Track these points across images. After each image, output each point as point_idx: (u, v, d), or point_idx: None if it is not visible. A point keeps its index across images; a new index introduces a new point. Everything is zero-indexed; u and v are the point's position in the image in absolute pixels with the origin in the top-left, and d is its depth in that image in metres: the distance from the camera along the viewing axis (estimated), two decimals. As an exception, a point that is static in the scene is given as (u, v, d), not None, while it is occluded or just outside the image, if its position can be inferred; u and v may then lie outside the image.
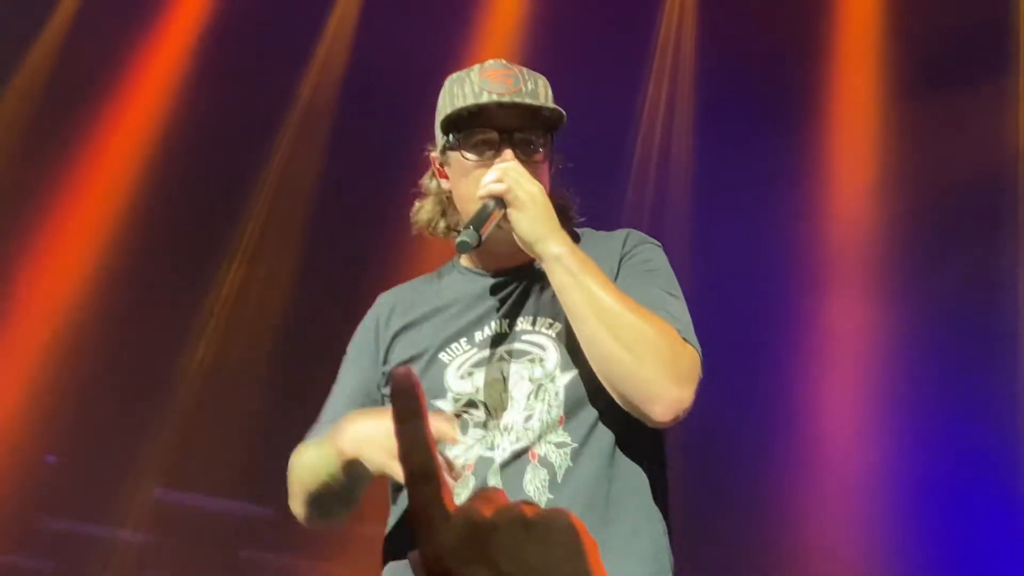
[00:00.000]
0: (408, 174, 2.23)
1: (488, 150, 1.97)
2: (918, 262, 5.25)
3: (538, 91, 2.01)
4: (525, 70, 2.04)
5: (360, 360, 2.11)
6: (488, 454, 1.90)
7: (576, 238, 2.04)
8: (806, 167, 5.60)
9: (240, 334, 5.74)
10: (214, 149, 5.70)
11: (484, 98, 1.95)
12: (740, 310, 5.27)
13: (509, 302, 2.02)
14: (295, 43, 5.97)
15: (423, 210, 2.14)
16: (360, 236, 5.41)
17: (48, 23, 5.72)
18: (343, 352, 2.15)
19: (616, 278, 1.98)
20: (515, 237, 1.90)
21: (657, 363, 1.77)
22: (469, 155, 1.98)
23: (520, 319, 2.00)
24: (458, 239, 1.86)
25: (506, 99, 1.95)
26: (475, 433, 1.92)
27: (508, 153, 1.94)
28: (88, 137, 5.70)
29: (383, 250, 4.91)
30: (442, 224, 2.13)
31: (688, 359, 1.84)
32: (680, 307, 1.96)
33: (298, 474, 1.99)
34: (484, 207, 1.89)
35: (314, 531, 1.88)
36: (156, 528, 5.45)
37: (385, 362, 2.06)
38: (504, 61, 2.06)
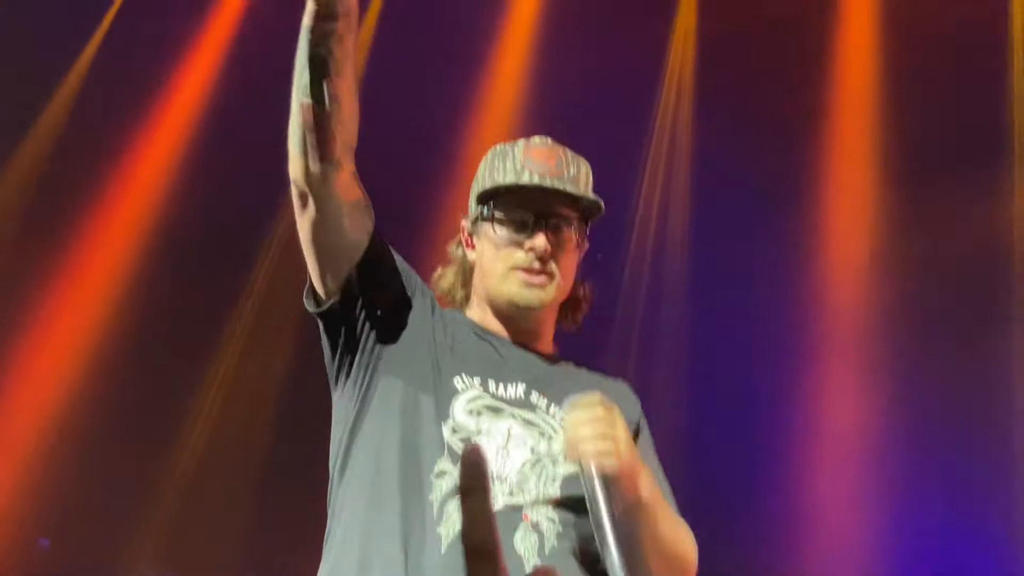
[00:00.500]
0: (410, 258, 2.23)
1: (522, 230, 1.96)
2: (911, 346, 5.32)
3: (579, 177, 1.99)
4: (569, 153, 2.03)
5: (417, 286, 2.03)
6: None
7: (572, 362, 2.07)
8: (800, 252, 5.69)
9: (235, 418, 5.77)
10: (211, 230, 5.81)
11: (525, 178, 1.95)
12: (736, 388, 5.32)
13: (530, 375, 1.98)
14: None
15: (444, 277, 2.12)
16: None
17: (42, 116, 5.90)
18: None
19: (636, 439, 1.97)
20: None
21: None
22: (501, 231, 1.97)
23: (537, 395, 1.96)
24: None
25: (547, 183, 1.94)
26: None
27: (541, 238, 1.94)
28: (86, 222, 5.82)
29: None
30: (460, 294, 2.10)
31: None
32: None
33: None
34: (596, 487, 1.69)
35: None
36: (149, 612, 5.45)
37: (424, 320, 1.99)
38: (550, 140, 2.04)
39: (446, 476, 1.82)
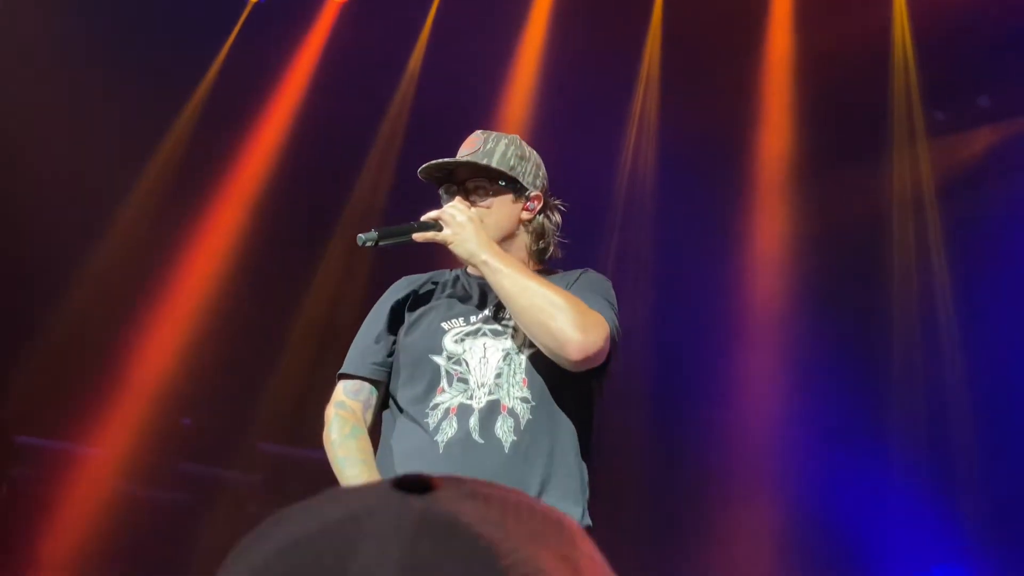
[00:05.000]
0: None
1: (453, 197, 2.29)
2: (816, 299, 6.08)
3: (495, 150, 2.26)
4: (495, 134, 2.31)
5: (383, 314, 2.36)
6: (468, 402, 2.12)
7: (545, 273, 2.32)
8: (735, 228, 6.46)
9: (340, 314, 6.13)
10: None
11: (451, 158, 2.27)
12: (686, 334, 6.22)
13: (496, 299, 2.24)
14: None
15: None
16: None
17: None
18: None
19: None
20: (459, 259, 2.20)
21: (564, 318, 2.03)
22: (441, 201, 2.31)
23: (502, 311, 2.23)
24: (362, 236, 2.11)
25: (459, 158, 2.26)
26: (458, 386, 2.14)
27: (457, 198, 2.26)
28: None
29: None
30: None
31: (591, 317, 2.09)
32: (603, 304, 2.20)
33: (336, 469, 2.18)
34: (410, 225, 2.17)
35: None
36: (258, 471, 6.27)
37: (404, 316, 2.34)
38: (482, 131, 2.32)
39: (445, 393, 2.16)
